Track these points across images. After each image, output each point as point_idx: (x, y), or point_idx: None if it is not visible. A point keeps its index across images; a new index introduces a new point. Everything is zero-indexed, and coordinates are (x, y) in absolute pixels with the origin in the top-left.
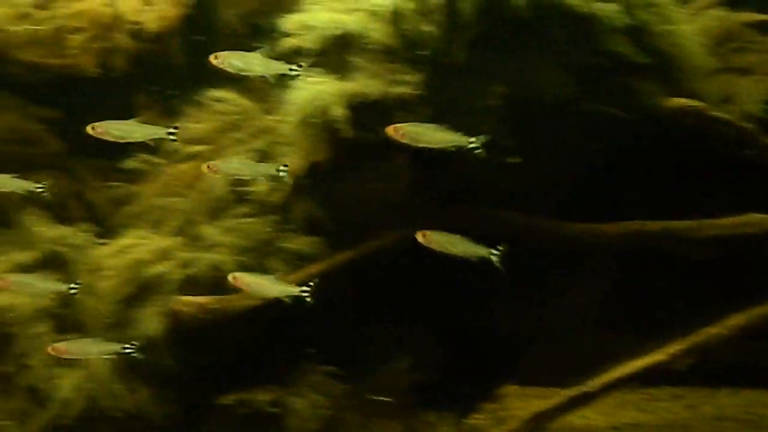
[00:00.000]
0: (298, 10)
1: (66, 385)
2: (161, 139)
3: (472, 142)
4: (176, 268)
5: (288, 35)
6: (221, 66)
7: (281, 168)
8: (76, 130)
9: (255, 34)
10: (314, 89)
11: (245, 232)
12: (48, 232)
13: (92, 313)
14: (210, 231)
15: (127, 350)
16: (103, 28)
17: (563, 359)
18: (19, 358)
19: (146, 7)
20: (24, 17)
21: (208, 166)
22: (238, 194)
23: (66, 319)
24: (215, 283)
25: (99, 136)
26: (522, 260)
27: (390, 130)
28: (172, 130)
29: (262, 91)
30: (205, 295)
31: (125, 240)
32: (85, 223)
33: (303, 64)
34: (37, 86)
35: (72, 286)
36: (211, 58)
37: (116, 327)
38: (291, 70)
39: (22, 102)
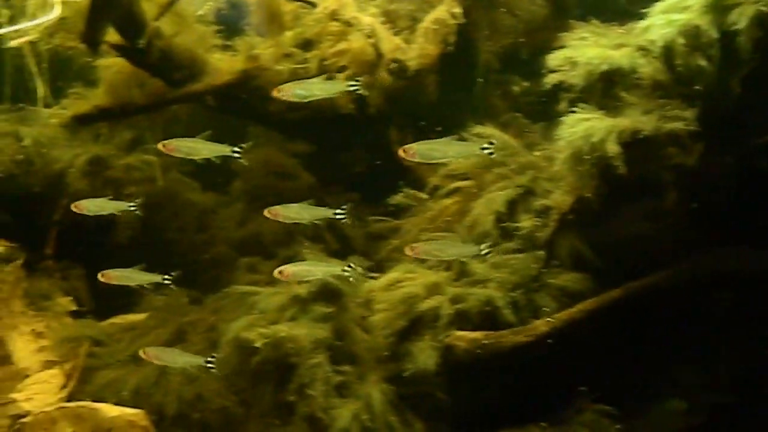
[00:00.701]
0: (558, 45)
1: (344, 415)
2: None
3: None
4: (447, 302)
5: (552, 71)
6: (285, 98)
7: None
8: (328, 165)
9: (512, 70)
10: (586, 125)
11: (513, 267)
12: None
13: (365, 345)
14: (478, 266)
15: (209, 365)
16: (365, 66)
17: None
18: (301, 388)
19: (407, 45)
20: (288, 56)
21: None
22: (503, 230)
23: (340, 350)
24: (485, 318)
25: (169, 153)
26: None
27: (401, 152)
28: (237, 149)
29: (520, 127)
30: (475, 331)
31: (394, 274)
32: (353, 257)
33: (360, 79)
34: (293, 123)
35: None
36: (274, 93)
37: (389, 359)
38: (350, 86)
39: (279, 137)
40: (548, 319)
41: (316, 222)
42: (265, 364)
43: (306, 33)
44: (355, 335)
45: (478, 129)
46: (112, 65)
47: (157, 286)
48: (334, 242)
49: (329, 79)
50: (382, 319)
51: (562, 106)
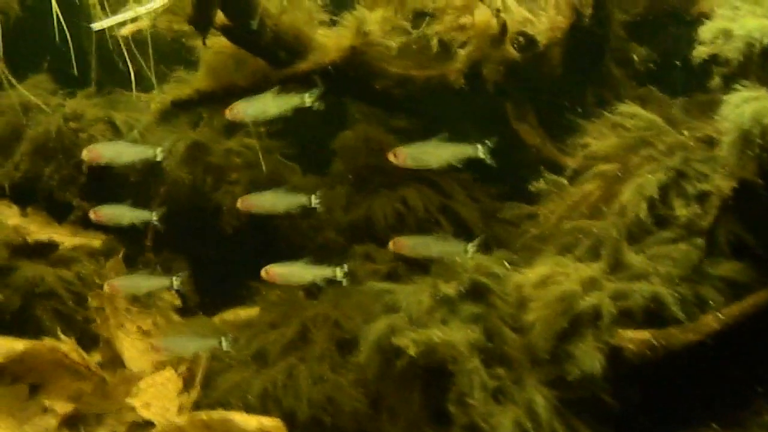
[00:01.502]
0: (704, 16)
1: (506, 422)
2: None
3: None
4: (608, 299)
5: (702, 43)
6: (236, 118)
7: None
8: None
9: (643, 41)
10: (755, 105)
11: (674, 258)
12: (468, 262)
13: (517, 346)
14: (636, 258)
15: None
16: (488, 41)
17: None
18: (460, 396)
19: (535, 18)
20: (399, 31)
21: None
22: (657, 217)
23: (491, 352)
24: (648, 315)
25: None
26: None
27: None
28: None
29: (657, 102)
30: (641, 329)
31: (544, 268)
32: (499, 251)
33: (317, 90)
34: (399, 99)
35: None
36: (226, 112)
37: (548, 362)
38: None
39: (378, 114)
40: (717, 313)
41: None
42: (413, 368)
43: (426, 5)
44: (505, 336)
45: (622, 107)
46: (211, 46)
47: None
48: (448, 226)
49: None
50: (539, 318)
51: (715, 81)
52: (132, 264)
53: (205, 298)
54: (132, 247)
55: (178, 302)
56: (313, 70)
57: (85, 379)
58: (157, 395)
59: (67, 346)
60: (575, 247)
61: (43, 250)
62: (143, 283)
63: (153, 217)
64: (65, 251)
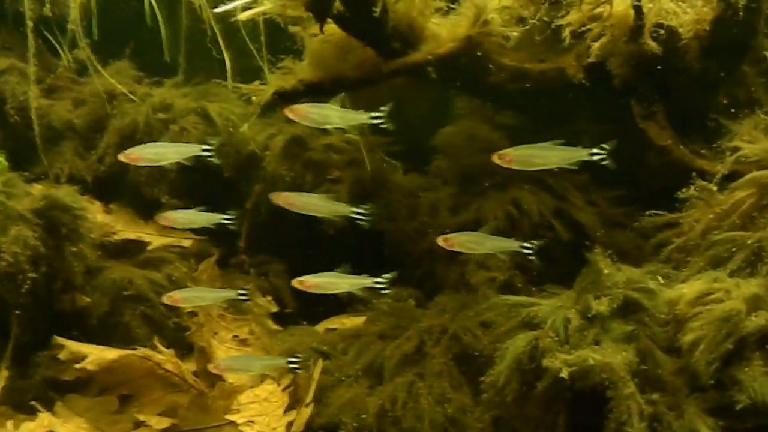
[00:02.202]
0: None
1: None
2: None
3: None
4: None
5: None
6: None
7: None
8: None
9: None
10: None
11: None
12: (618, 275)
13: (672, 369)
14: None
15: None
16: (624, 33)
17: None
18: (619, 426)
19: (679, 9)
20: (519, 21)
21: None
22: None
23: (644, 375)
24: None
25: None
26: None
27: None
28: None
29: None
30: None
31: (699, 284)
32: (651, 264)
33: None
34: (513, 94)
35: None
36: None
37: (711, 388)
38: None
39: (486, 109)
40: None
41: None
42: (558, 391)
43: None
44: (658, 357)
45: None
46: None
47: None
48: (563, 231)
49: None
50: (699, 339)
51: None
52: (224, 266)
53: (303, 304)
54: (224, 248)
55: (274, 308)
56: (427, 62)
57: (180, 391)
58: (261, 411)
59: (161, 356)
60: (728, 261)
61: (131, 250)
62: (207, 295)
63: (225, 219)
64: (154, 251)
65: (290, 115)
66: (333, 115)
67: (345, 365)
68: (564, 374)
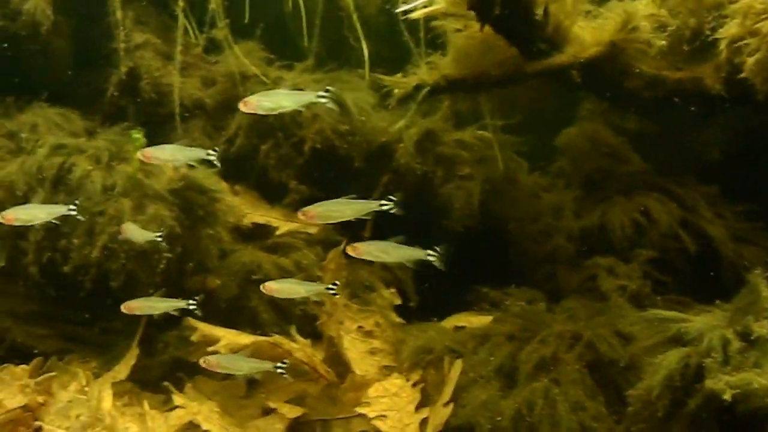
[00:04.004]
0: None
1: None
2: None
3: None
4: None
5: None
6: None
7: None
8: (673, 150)
9: None
10: None
11: None
12: None
13: None
14: None
15: (279, 370)
16: None
17: None
18: None
19: None
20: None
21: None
22: None
23: None
24: None
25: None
26: None
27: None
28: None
29: None
30: None
31: None
32: None
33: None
34: (647, 102)
35: None
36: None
37: None
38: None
39: (611, 114)
40: None
41: None
42: (711, 412)
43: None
44: None
45: None
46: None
47: None
48: (690, 243)
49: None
50: None
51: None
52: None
53: (426, 299)
54: (348, 237)
55: (397, 301)
56: (571, 65)
57: (309, 380)
58: (392, 406)
59: (293, 344)
60: None
61: (258, 234)
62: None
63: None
64: (282, 237)
65: (243, 109)
66: (284, 99)
67: (477, 365)
68: (727, 396)
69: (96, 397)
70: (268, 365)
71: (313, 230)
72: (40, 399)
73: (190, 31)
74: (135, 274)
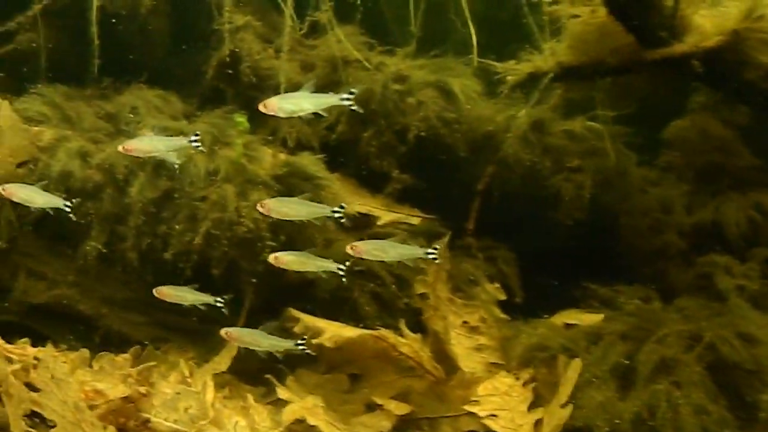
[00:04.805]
0: None
1: None
2: None
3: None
4: None
5: None
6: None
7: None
8: None
9: None
10: None
11: None
12: None
13: None
14: None
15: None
16: None
17: None
18: None
19: None
20: None
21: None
22: None
23: None
24: None
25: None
26: None
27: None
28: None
29: None
30: None
31: None
32: None
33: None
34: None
35: None
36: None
37: None
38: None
39: (721, 106)
40: None
41: None
42: None
43: None
44: None
45: None
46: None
47: None
48: None
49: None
50: None
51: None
52: (450, 248)
53: (531, 294)
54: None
55: (502, 296)
56: (691, 54)
57: (415, 376)
58: (503, 405)
59: (400, 338)
60: None
61: (359, 224)
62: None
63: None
64: (384, 227)
65: (263, 110)
66: (305, 101)
67: (590, 365)
68: None
69: (202, 389)
70: (288, 343)
71: (415, 221)
72: (142, 390)
73: (291, 15)
74: (237, 262)
